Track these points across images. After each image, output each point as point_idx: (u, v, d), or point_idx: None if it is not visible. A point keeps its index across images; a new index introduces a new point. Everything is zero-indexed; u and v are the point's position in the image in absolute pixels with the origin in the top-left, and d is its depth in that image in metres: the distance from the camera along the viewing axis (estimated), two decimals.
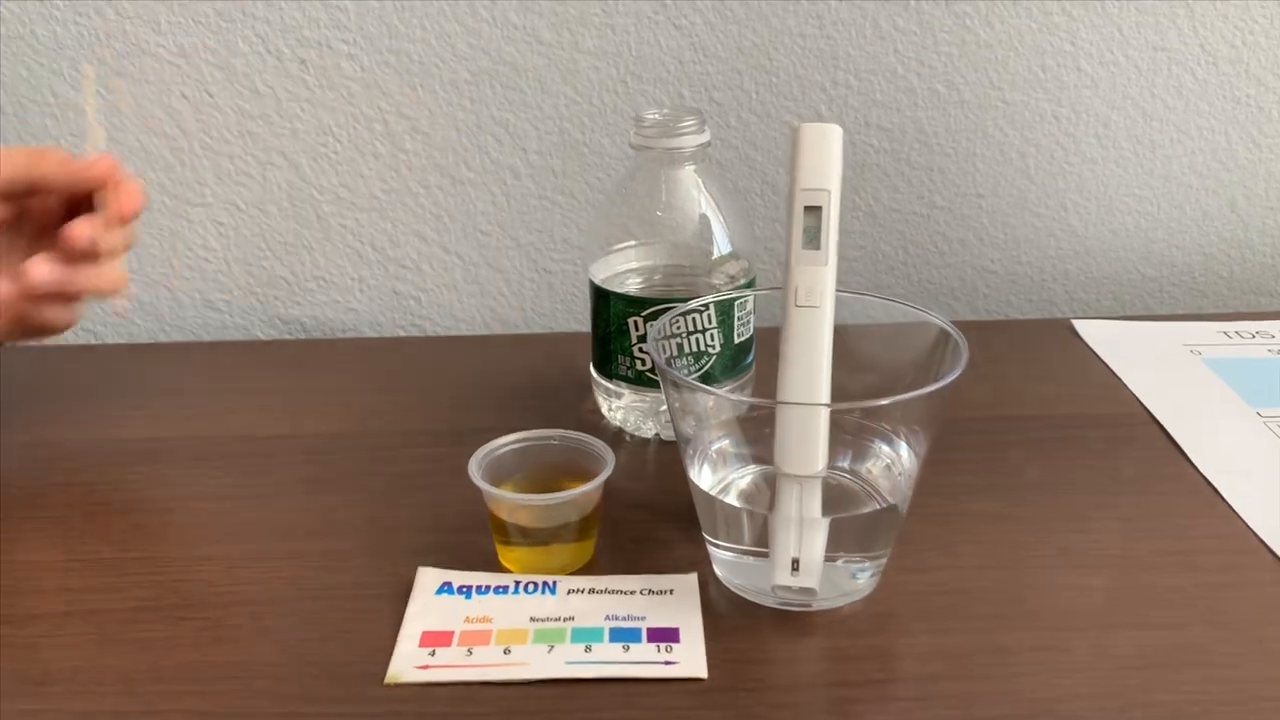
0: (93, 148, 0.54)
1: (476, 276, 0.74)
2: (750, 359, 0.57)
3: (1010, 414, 0.60)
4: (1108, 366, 0.65)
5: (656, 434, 0.58)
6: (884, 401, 0.42)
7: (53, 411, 0.62)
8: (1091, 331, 0.70)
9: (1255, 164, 0.74)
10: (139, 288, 0.74)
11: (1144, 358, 0.66)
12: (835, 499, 0.45)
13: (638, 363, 0.56)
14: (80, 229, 0.50)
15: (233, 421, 0.61)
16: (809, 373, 0.43)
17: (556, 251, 0.74)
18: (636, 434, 0.59)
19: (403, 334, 0.75)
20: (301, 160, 0.71)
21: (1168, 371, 0.64)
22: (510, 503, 0.46)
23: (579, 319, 0.75)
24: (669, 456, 0.57)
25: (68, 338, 0.74)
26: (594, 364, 0.59)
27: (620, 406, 0.59)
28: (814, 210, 0.44)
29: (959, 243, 0.75)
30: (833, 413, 0.43)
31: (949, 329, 0.45)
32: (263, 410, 0.62)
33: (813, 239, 0.44)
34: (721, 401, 0.50)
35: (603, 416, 0.60)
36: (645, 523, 0.51)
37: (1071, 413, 0.60)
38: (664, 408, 0.57)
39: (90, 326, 0.75)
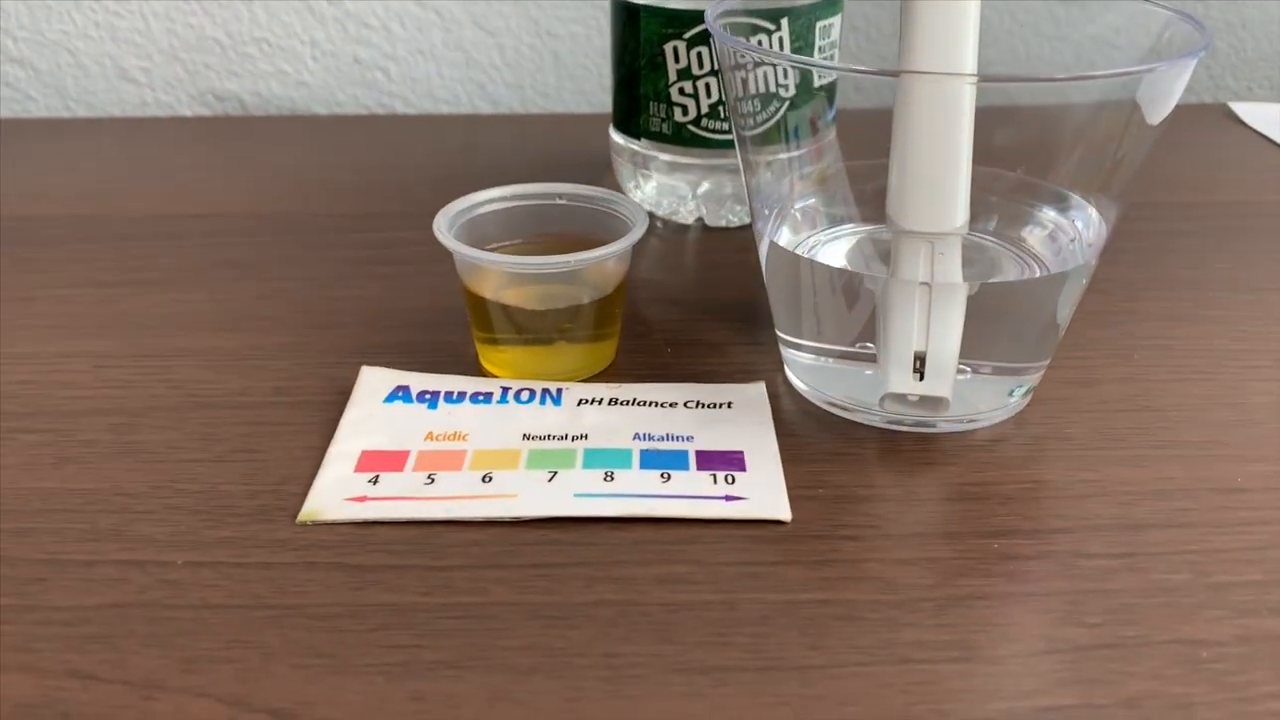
0: None
1: (460, 40, 0.58)
2: (833, 115, 0.41)
3: (1177, 201, 0.45)
4: None
5: (700, 218, 0.43)
6: (1062, 78, 0.26)
7: None
8: (1258, 115, 0.54)
9: None
10: (31, 50, 0.58)
11: None
12: (979, 271, 0.31)
13: (677, 110, 0.41)
14: None
15: (136, 201, 0.46)
16: (946, 54, 0.28)
17: (563, 6, 0.57)
18: (673, 218, 0.44)
19: (366, 113, 0.60)
20: None
21: None
22: (497, 273, 0.32)
23: (592, 99, 0.59)
24: (717, 244, 0.42)
25: None
26: (615, 123, 0.44)
27: (651, 184, 0.44)
28: None
29: (1078, 6, 0.59)
30: (980, 166, 0.28)
31: (1177, 14, 0.30)
32: (177, 189, 0.47)
33: None
34: (810, 144, 0.34)
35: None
36: (688, 322, 0.36)
37: (1254, 200, 0.45)
38: (705, 185, 0.42)
39: None
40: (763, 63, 0.37)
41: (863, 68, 0.29)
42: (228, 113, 0.59)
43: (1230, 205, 0.45)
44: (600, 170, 0.47)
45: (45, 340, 0.35)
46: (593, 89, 0.59)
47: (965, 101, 0.27)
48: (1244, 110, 0.54)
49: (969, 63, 0.28)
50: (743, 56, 0.36)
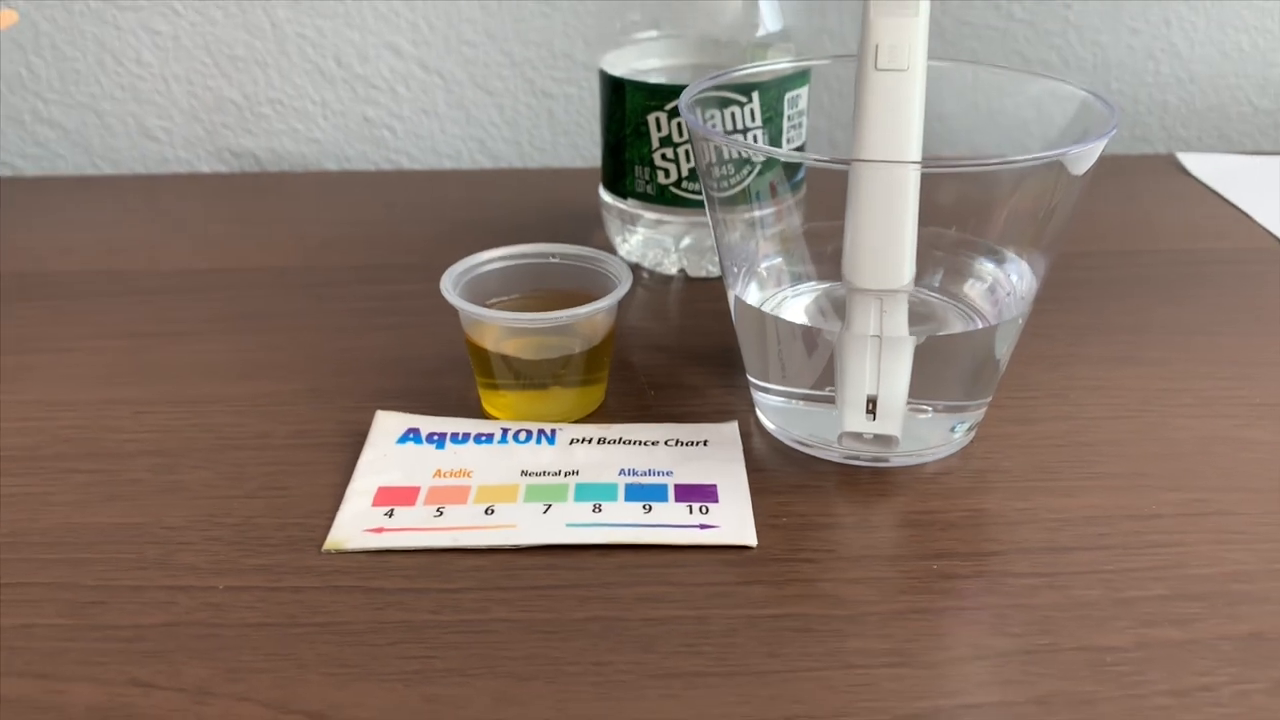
0: None
1: (461, 100, 0.62)
2: (801, 176, 0.45)
3: (1123, 249, 0.49)
4: (1229, 201, 0.54)
5: (682, 270, 0.47)
6: (992, 163, 0.30)
7: None
8: (1203, 166, 0.58)
9: None
10: (60, 111, 0.62)
11: (1272, 191, 0.54)
12: (924, 323, 0.34)
13: (659, 174, 0.45)
14: None
15: (160, 256, 0.50)
16: (895, 144, 0.32)
17: (557, 69, 0.62)
18: (657, 269, 0.48)
19: (373, 169, 0.64)
20: None
21: None
22: (497, 327, 0.35)
23: (584, 154, 0.63)
24: (697, 294, 0.46)
25: None
26: (604, 183, 0.48)
27: (637, 237, 0.48)
28: None
29: (1041, 65, 0.63)
30: (925, 226, 0.32)
31: (1092, 95, 0.34)
32: (198, 244, 0.51)
33: None
34: (773, 211, 0.38)
35: (614, 253, 0.49)
36: (669, 367, 0.40)
37: (1193, 247, 0.49)
38: (687, 239, 0.46)
39: (5, 158, 0.63)
40: (732, 132, 0.41)
41: (817, 157, 0.33)
42: (244, 169, 0.63)
43: (1170, 253, 0.49)
44: (591, 223, 0.51)
45: (87, 389, 0.39)
46: (585, 144, 0.63)
47: (910, 180, 0.31)
48: (1190, 161, 0.58)
49: (914, 146, 0.31)
50: (712, 126, 0.40)
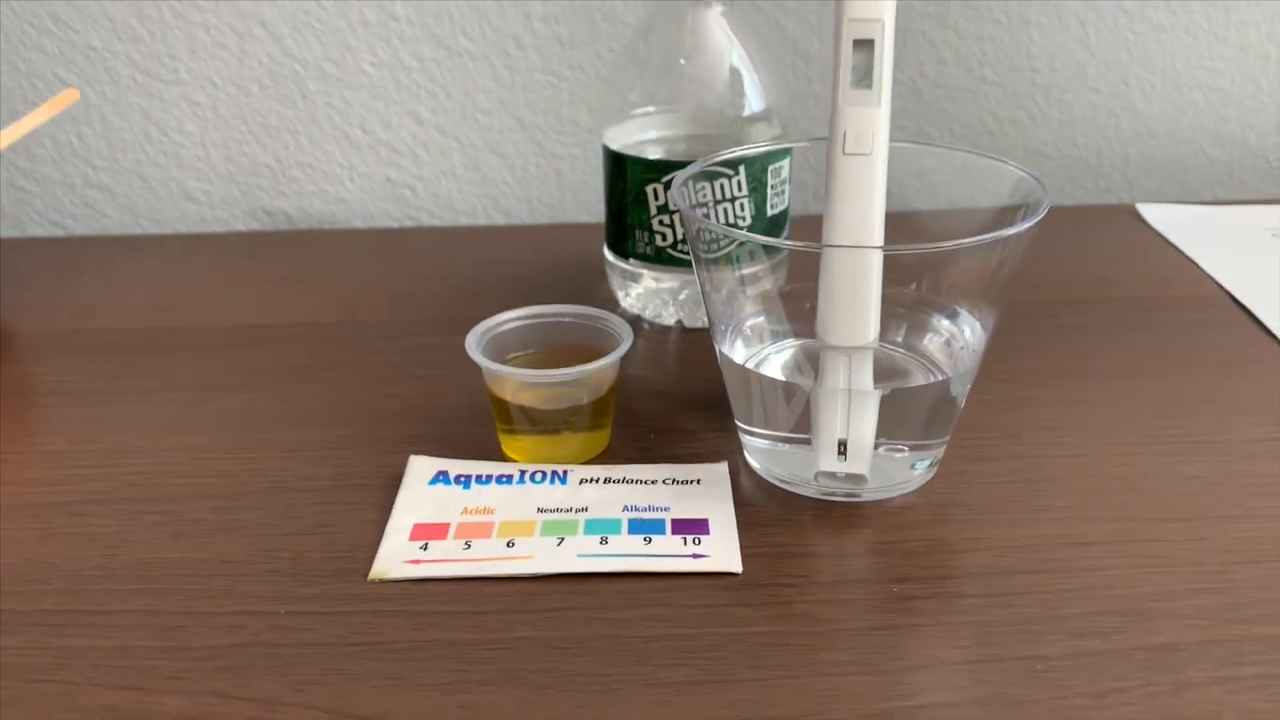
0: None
1: (477, 162, 0.68)
2: (785, 236, 0.50)
3: (1078, 298, 0.54)
4: (1180, 250, 0.59)
5: (679, 321, 0.52)
6: (946, 245, 0.35)
7: (15, 303, 0.56)
8: (1159, 216, 0.63)
9: None
10: (108, 176, 0.68)
11: (1220, 241, 0.59)
12: (888, 376, 0.39)
13: (657, 238, 0.50)
14: None
15: (207, 312, 0.55)
16: (859, 227, 0.37)
17: (564, 134, 0.67)
18: (656, 321, 0.53)
19: (396, 226, 0.69)
20: (283, 31, 0.64)
21: (1247, 254, 0.58)
22: (514, 381, 0.40)
23: (590, 209, 0.69)
24: (693, 344, 0.51)
25: (29, 230, 0.69)
26: (608, 244, 0.53)
27: (638, 292, 0.53)
28: (864, 44, 0.37)
29: (1011, 123, 0.68)
30: (887, 285, 0.36)
31: (1027, 174, 0.39)
32: (240, 301, 0.56)
33: (863, 77, 0.37)
34: (756, 271, 0.43)
35: (618, 305, 0.54)
36: (667, 412, 0.45)
37: (1143, 295, 0.54)
38: (686, 292, 0.51)
39: (58, 219, 0.69)
40: (721, 200, 0.46)
41: (793, 243, 0.37)
42: (276, 227, 0.69)
43: (1122, 301, 0.53)
44: (596, 277, 0.55)
45: (151, 437, 0.44)
46: (590, 200, 0.69)
47: (873, 256, 0.36)
48: (1148, 212, 0.63)
49: (877, 223, 0.36)
50: (703, 197, 0.45)
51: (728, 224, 0.47)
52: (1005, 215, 0.39)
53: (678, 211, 0.49)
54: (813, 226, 0.38)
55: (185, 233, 0.68)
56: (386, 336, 0.52)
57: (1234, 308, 0.52)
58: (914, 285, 0.41)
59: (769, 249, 0.42)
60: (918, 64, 0.66)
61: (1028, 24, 0.66)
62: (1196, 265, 0.57)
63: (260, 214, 0.68)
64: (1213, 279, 0.55)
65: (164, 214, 0.68)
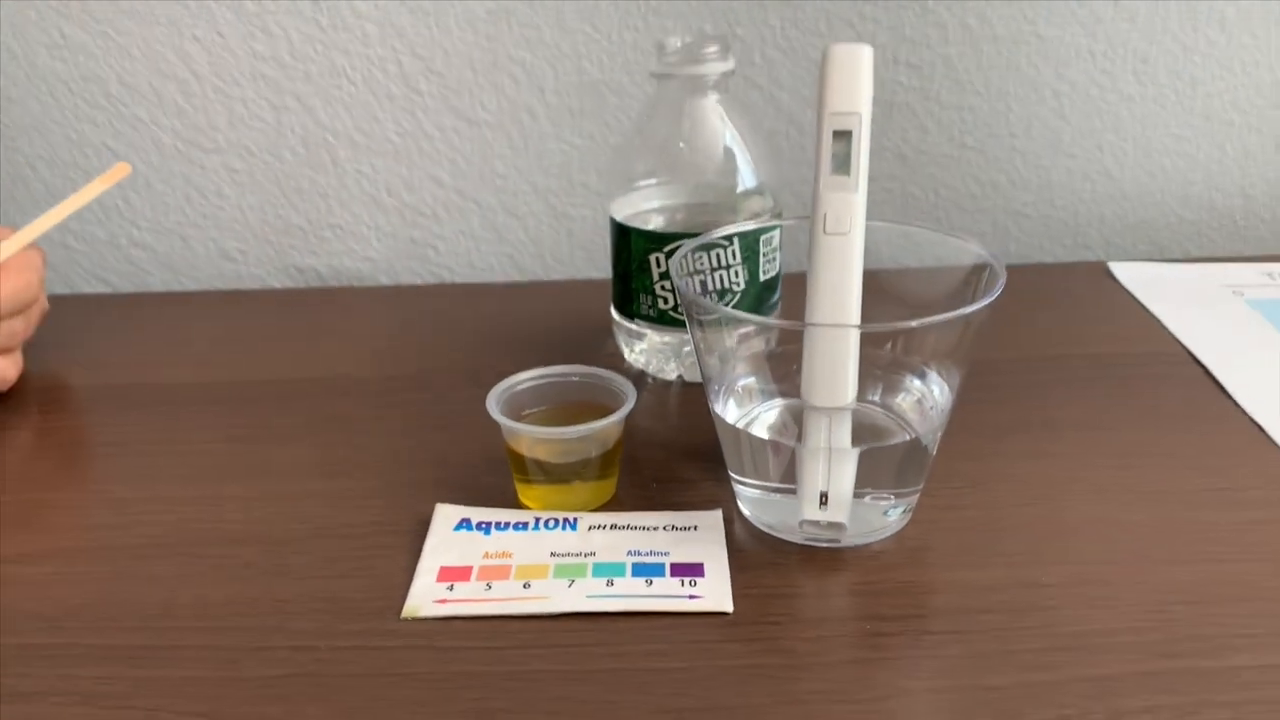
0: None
1: (494, 223, 0.73)
2: (776, 298, 0.55)
3: (1045, 354, 0.58)
4: (1145, 308, 0.63)
5: (679, 375, 0.57)
6: (913, 324, 0.40)
7: (65, 357, 0.61)
8: (1128, 274, 0.67)
9: None
10: (151, 236, 0.73)
11: (1183, 299, 0.64)
12: (865, 432, 0.44)
13: (660, 301, 0.55)
14: None
15: (247, 367, 0.60)
16: (838, 301, 0.41)
17: (575, 196, 0.72)
18: (659, 376, 0.57)
19: (420, 282, 0.74)
20: (315, 103, 0.70)
21: (1208, 312, 0.62)
22: (529, 437, 0.45)
23: (599, 266, 0.73)
24: (692, 398, 0.55)
25: (77, 287, 0.74)
26: (615, 305, 0.58)
27: (642, 349, 0.57)
28: (843, 135, 0.42)
29: (991, 185, 0.73)
30: (863, 348, 0.41)
31: (985, 255, 0.43)
32: (277, 356, 0.61)
33: (842, 164, 0.42)
34: (747, 335, 0.48)
35: (624, 359, 0.59)
36: (668, 462, 0.49)
37: (1108, 352, 0.58)
38: (687, 348, 0.56)
39: (104, 276, 0.74)
40: (717, 267, 0.51)
41: (776, 321, 0.42)
42: (308, 283, 0.74)
43: (1088, 357, 0.58)
44: (604, 334, 0.60)
45: (202, 485, 0.48)
46: (599, 257, 0.73)
47: (851, 331, 0.40)
48: (1119, 270, 0.68)
49: (855, 297, 0.41)
50: (700, 265, 0.50)
51: (723, 289, 0.51)
52: (975, 274, 0.43)
53: None
54: (804, 284, 0.42)
55: (223, 289, 0.74)
56: (413, 389, 0.57)
57: (1192, 364, 0.57)
58: (889, 346, 0.45)
59: (761, 310, 0.47)
60: (903, 132, 0.71)
61: (1006, 95, 0.71)
62: (1160, 323, 0.61)
63: (293, 271, 0.74)
64: (1174, 336, 0.59)
65: (202, 272, 0.74)
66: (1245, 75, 0.71)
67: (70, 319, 0.66)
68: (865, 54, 0.42)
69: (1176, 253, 0.75)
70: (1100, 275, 0.68)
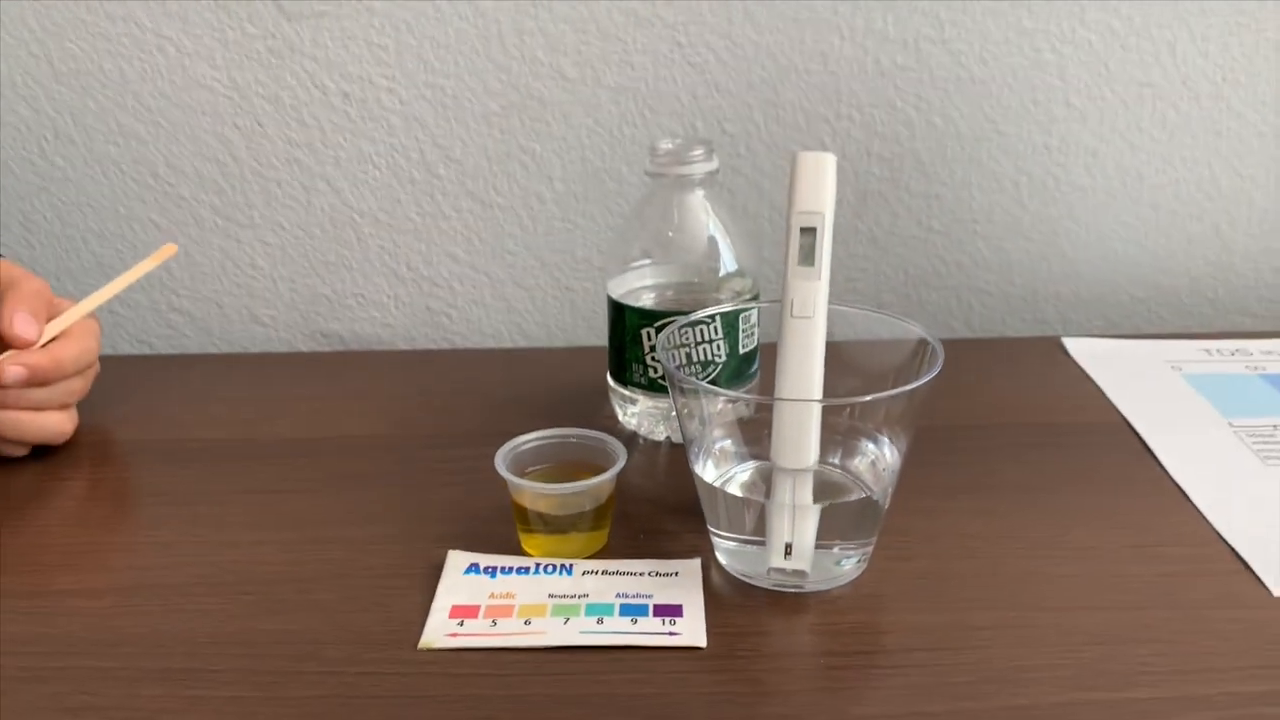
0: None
1: (503, 294, 0.80)
2: (755, 369, 0.61)
3: (997, 422, 0.65)
4: (1093, 380, 0.69)
5: (668, 437, 0.63)
6: (867, 398, 0.46)
7: (115, 414, 0.67)
8: (1080, 349, 0.74)
9: (1238, 192, 0.79)
10: (189, 302, 0.80)
11: (1128, 372, 0.70)
12: (826, 490, 0.50)
13: (650, 370, 0.61)
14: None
15: (276, 424, 0.66)
16: (803, 376, 0.48)
17: (578, 270, 0.79)
18: (649, 437, 0.64)
19: (434, 347, 0.81)
20: (343, 185, 0.77)
21: (1149, 385, 0.68)
22: (532, 492, 0.51)
23: (598, 333, 0.80)
24: (678, 458, 0.62)
25: (120, 348, 0.81)
26: (611, 373, 0.64)
27: (634, 412, 0.64)
28: (809, 231, 0.49)
29: (956, 265, 0.80)
30: (824, 413, 0.47)
31: (927, 338, 0.50)
32: (305, 415, 0.67)
33: (807, 257, 0.49)
34: (724, 403, 0.54)
35: (618, 421, 0.65)
36: (655, 515, 0.55)
37: (1054, 421, 0.65)
38: (674, 412, 0.62)
39: (144, 338, 0.81)
40: (700, 342, 0.58)
41: (747, 395, 0.48)
42: (332, 348, 0.80)
43: (1036, 425, 0.64)
44: (601, 398, 0.67)
45: (242, 532, 0.54)
46: (599, 325, 0.80)
47: (814, 408, 0.47)
48: (1071, 344, 0.74)
49: (817, 373, 0.47)
50: (685, 339, 0.57)
51: (706, 361, 0.58)
52: (920, 347, 0.50)
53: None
54: (767, 374, 0.49)
55: (253, 352, 0.80)
56: (428, 447, 0.63)
57: (1129, 433, 0.63)
58: (846, 414, 0.51)
59: (736, 383, 0.53)
60: (875, 217, 0.78)
61: (969, 184, 0.78)
62: (1104, 394, 0.67)
63: (318, 336, 0.80)
64: (1115, 407, 0.66)
65: (235, 335, 0.80)
66: (1186, 170, 0.78)
67: (113, 378, 0.72)
68: (829, 161, 0.49)
69: (1127, 328, 0.82)
70: (1054, 349, 0.75)
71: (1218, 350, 0.73)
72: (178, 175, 0.77)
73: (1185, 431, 0.62)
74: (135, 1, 0.72)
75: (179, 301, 0.80)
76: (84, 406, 0.65)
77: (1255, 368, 0.71)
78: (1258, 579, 0.49)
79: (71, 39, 0.73)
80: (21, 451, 0.60)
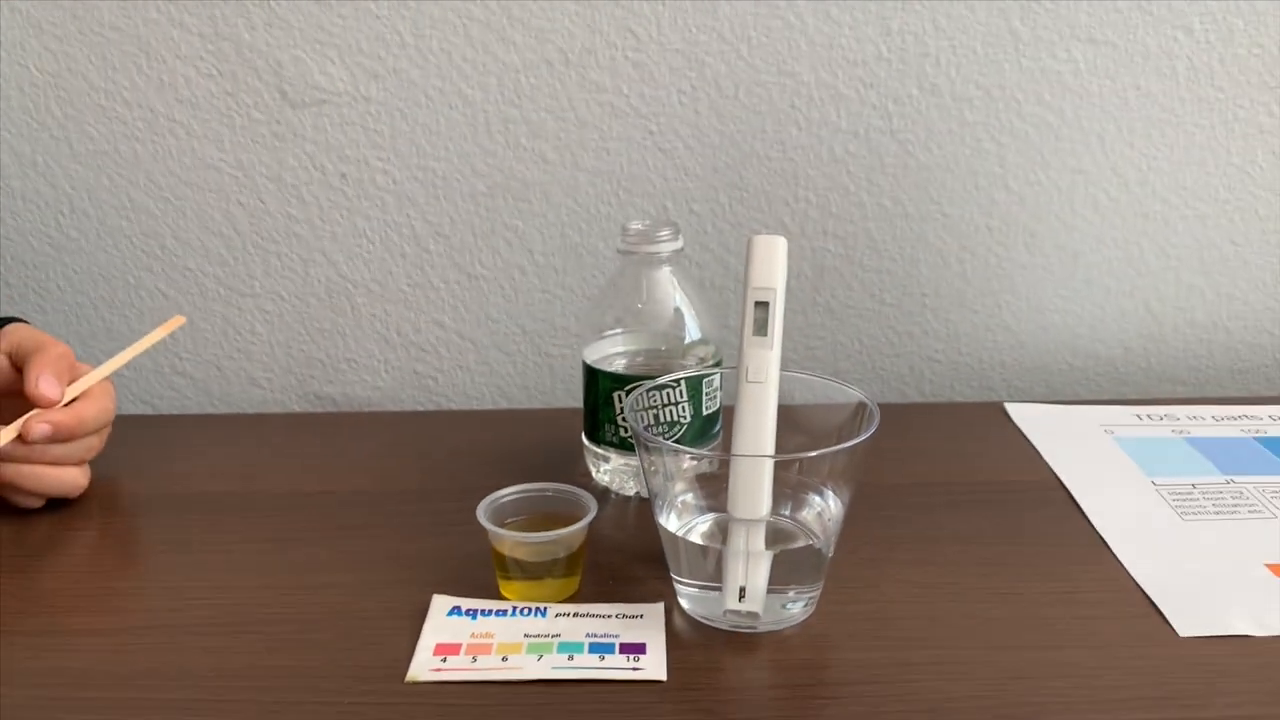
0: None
1: (487, 359, 0.85)
2: (718, 429, 0.67)
3: (941, 481, 0.70)
4: (1030, 443, 0.75)
5: (637, 492, 0.68)
6: (813, 454, 0.52)
7: (116, 470, 0.72)
8: (1021, 413, 0.80)
9: (1165, 270, 0.86)
10: (191, 366, 0.85)
11: (1063, 436, 0.76)
12: (777, 538, 0.55)
13: (621, 430, 0.67)
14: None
15: (274, 480, 0.71)
16: (756, 435, 0.53)
17: (556, 338, 0.85)
18: (620, 492, 0.69)
19: (421, 409, 0.86)
20: (339, 258, 0.83)
21: (1082, 447, 0.74)
22: (510, 540, 0.56)
23: (574, 396, 0.85)
24: (646, 511, 0.67)
25: (125, 408, 0.85)
26: (585, 432, 0.70)
27: (608, 469, 0.69)
28: (762, 305, 0.54)
29: (907, 335, 0.86)
30: (776, 468, 0.53)
31: (866, 400, 0.56)
32: (301, 471, 0.72)
33: (761, 328, 0.54)
34: (684, 459, 0.60)
35: (592, 478, 0.70)
36: (623, 564, 0.60)
37: (992, 480, 0.70)
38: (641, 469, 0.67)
39: (148, 398, 0.86)
40: (667, 404, 0.63)
41: (707, 452, 0.54)
42: (324, 409, 0.86)
43: (975, 484, 0.70)
44: (576, 455, 0.72)
45: (243, 577, 0.59)
46: (575, 389, 0.86)
47: (766, 463, 0.52)
48: (1013, 409, 0.80)
49: (770, 433, 0.53)
50: (653, 401, 0.62)
51: (672, 422, 0.63)
52: (860, 409, 0.55)
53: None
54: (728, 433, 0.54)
55: (250, 412, 0.85)
56: (415, 501, 0.68)
57: (1060, 490, 0.68)
58: (795, 469, 0.57)
59: (699, 442, 0.59)
60: (831, 290, 0.84)
61: (917, 261, 0.84)
62: (1040, 455, 0.73)
63: (312, 398, 0.85)
64: (1050, 467, 0.71)
65: (233, 397, 0.86)
66: (1118, 249, 0.85)
67: (120, 436, 0.77)
68: (780, 243, 0.55)
69: (1067, 394, 0.88)
70: (998, 414, 0.81)
71: (1148, 415, 0.79)
72: (184, 248, 0.82)
73: (1112, 489, 0.68)
74: (152, 89, 0.79)
75: (182, 365, 0.85)
76: (93, 462, 0.70)
77: (1180, 431, 0.77)
78: (1166, 621, 0.54)
79: (91, 122, 0.80)
80: (38, 503, 0.65)
